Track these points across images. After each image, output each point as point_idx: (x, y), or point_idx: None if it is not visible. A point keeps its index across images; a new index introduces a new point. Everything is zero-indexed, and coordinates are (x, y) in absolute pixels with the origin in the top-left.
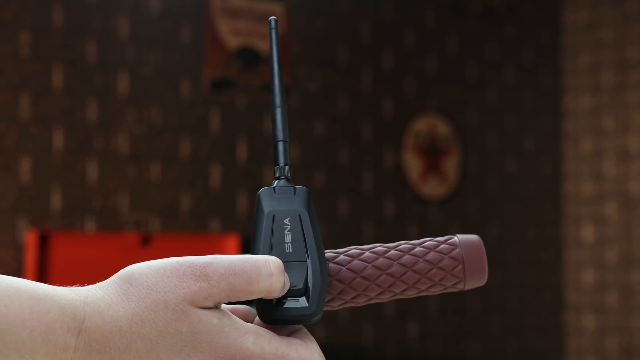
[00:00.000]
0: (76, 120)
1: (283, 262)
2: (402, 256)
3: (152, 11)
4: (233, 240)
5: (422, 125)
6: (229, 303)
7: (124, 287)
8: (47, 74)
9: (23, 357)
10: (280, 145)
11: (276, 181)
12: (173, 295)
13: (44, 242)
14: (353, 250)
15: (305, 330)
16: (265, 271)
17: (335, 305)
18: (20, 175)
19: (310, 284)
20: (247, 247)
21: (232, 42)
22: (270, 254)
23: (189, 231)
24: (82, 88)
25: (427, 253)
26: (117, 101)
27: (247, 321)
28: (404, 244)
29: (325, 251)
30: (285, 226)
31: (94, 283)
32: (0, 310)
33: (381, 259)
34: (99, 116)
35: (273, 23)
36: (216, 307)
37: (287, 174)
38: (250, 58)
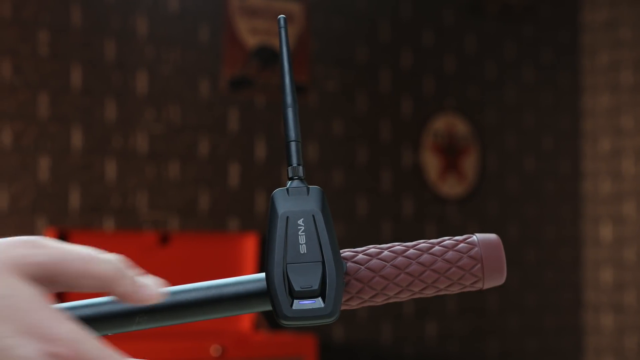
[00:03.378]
0: (95, 119)
1: (298, 263)
2: (420, 255)
3: (170, 10)
4: (251, 240)
5: (440, 124)
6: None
7: None
8: (66, 73)
9: None
10: (293, 146)
11: (289, 182)
12: None
13: (62, 241)
14: (372, 249)
15: None
16: (103, 257)
17: (354, 305)
18: (39, 174)
19: (326, 284)
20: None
21: (251, 41)
22: (284, 255)
23: (208, 230)
24: (100, 87)
25: (445, 252)
26: (136, 100)
27: None
28: (422, 243)
29: (344, 250)
30: (299, 227)
31: None
32: None
33: (400, 258)
34: (118, 115)
35: (282, 22)
36: (37, 285)
37: (301, 174)
38: (269, 57)
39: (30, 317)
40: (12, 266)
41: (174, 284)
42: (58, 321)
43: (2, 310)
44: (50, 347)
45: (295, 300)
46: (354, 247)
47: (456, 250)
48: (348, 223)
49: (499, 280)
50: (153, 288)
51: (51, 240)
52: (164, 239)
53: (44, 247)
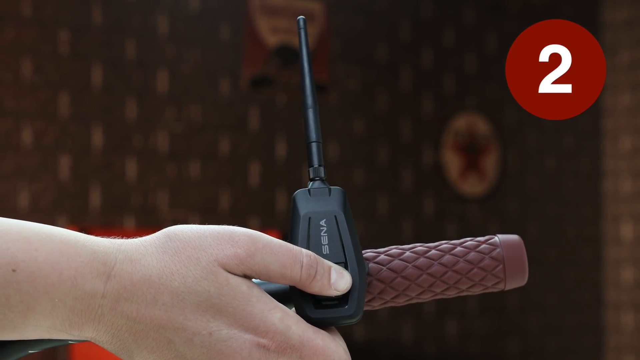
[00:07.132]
0: (115, 118)
1: None
2: (442, 256)
3: (191, 9)
4: None
5: (461, 123)
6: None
7: (163, 241)
8: (87, 72)
9: (53, 301)
10: (314, 146)
11: (311, 182)
12: (206, 254)
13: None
14: (393, 250)
15: (333, 327)
16: (299, 260)
17: (376, 305)
18: (60, 173)
19: None
20: None
21: (272, 40)
22: None
23: None
24: (121, 86)
25: (467, 253)
26: (157, 99)
27: None
28: (444, 244)
29: (366, 251)
30: (321, 228)
31: None
32: (30, 253)
33: (422, 259)
34: (138, 114)
35: (301, 23)
36: (246, 277)
37: (322, 175)
38: (290, 56)
39: (242, 310)
40: (221, 265)
41: None
42: (268, 312)
43: (217, 304)
44: (259, 339)
45: (318, 301)
46: (375, 246)
47: (478, 251)
48: (369, 222)
49: (521, 281)
50: (342, 282)
51: (249, 235)
52: None
53: (245, 248)
